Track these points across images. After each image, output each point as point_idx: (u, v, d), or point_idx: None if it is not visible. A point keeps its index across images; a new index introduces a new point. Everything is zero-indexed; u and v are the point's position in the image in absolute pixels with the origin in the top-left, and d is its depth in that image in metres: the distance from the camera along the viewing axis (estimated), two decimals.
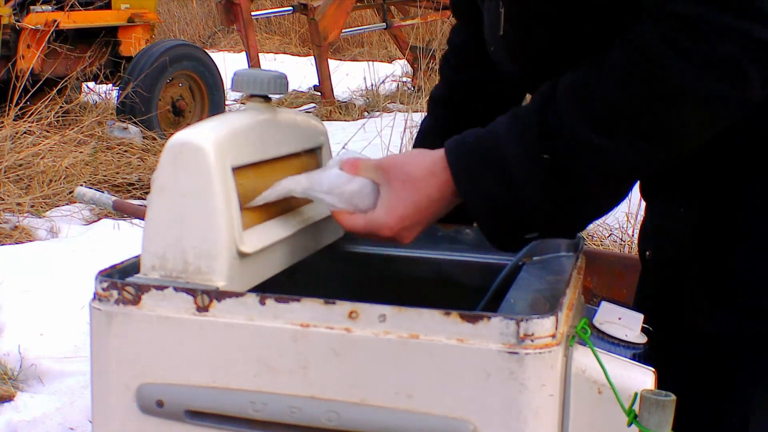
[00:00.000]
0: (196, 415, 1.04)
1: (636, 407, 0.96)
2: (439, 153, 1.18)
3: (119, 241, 4.30)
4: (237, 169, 1.13)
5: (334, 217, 1.24)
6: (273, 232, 1.22)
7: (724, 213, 1.24)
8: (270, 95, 1.25)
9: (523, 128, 1.13)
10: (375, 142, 5.05)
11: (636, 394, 0.96)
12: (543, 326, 0.95)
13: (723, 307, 1.24)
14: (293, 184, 1.23)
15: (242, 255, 1.11)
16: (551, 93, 1.13)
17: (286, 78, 1.26)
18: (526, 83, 1.40)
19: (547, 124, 1.11)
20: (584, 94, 1.11)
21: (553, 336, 0.96)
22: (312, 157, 1.40)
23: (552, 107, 1.12)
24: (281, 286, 1.26)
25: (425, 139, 1.63)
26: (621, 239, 4.09)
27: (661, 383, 1.05)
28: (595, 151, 1.10)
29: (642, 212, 1.52)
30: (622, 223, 4.09)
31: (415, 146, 1.61)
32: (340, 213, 1.22)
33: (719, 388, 1.27)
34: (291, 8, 8.47)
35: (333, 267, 1.48)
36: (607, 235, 4.17)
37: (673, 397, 0.95)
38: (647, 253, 1.40)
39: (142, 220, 1.31)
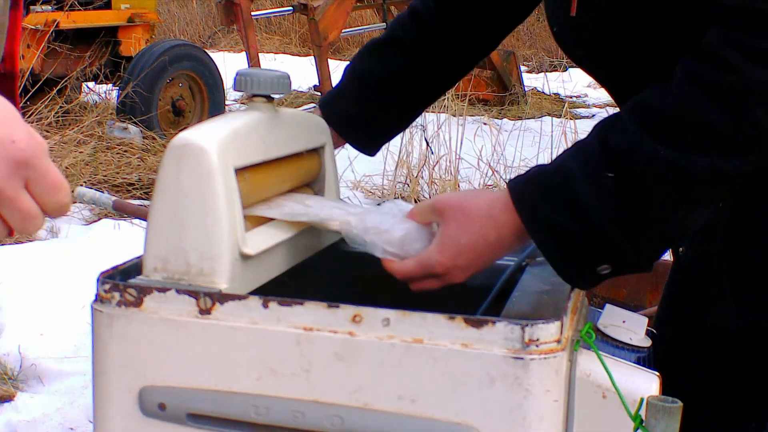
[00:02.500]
0: (198, 419, 1.04)
1: (642, 413, 0.96)
2: (498, 194, 1.15)
3: (119, 241, 4.30)
4: (240, 170, 1.13)
5: (383, 265, 1.20)
6: (275, 233, 1.21)
7: (759, 208, 1.23)
8: (273, 95, 1.25)
9: (585, 152, 1.10)
10: None
11: (642, 400, 0.96)
12: (548, 331, 0.94)
13: (752, 303, 1.23)
14: (343, 224, 1.20)
15: (245, 257, 1.11)
16: (615, 116, 1.11)
17: (289, 77, 1.25)
18: (591, 70, 1.37)
19: (610, 143, 1.08)
20: (650, 107, 1.08)
21: (558, 341, 0.95)
22: (314, 156, 1.40)
23: (617, 127, 1.09)
24: (283, 287, 1.25)
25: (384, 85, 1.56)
26: None
27: (679, 382, 1.04)
28: (663, 163, 1.05)
29: None
30: None
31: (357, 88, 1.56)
32: (387, 261, 1.19)
33: (740, 386, 1.27)
34: (291, 8, 8.46)
35: (335, 267, 1.47)
36: None
37: (680, 403, 0.94)
38: (681, 249, 1.39)
39: (142, 220, 1.31)
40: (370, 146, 1.61)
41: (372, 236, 1.19)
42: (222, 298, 1.02)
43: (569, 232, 1.09)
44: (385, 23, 8.67)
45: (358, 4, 8.51)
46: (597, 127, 1.12)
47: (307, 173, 1.40)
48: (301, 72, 9.31)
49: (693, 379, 1.31)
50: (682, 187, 1.07)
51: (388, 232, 1.19)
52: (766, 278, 1.24)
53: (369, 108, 1.55)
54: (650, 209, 1.08)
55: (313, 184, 1.42)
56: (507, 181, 1.16)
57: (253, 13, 8.00)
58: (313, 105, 8.29)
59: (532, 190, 1.11)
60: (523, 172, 1.16)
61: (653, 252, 1.12)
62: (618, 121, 1.09)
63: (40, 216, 0.85)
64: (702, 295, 1.30)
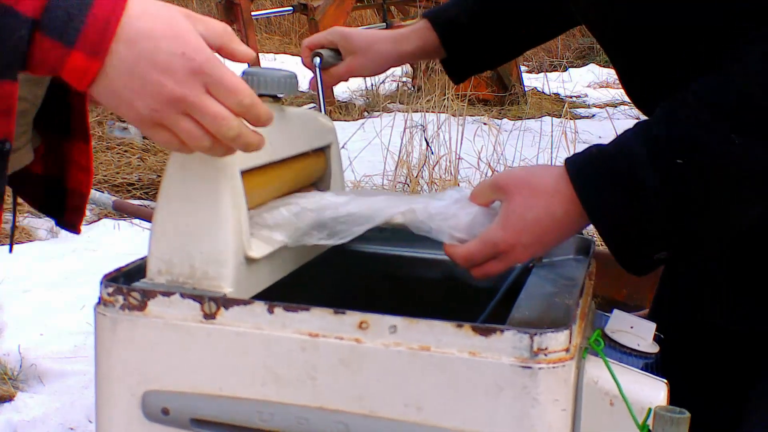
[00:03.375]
0: (201, 424, 1.03)
1: (649, 422, 0.95)
2: (563, 169, 1.12)
3: (119, 241, 4.29)
4: (245, 173, 1.12)
5: (446, 251, 1.17)
6: (280, 235, 1.20)
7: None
8: (279, 95, 1.24)
9: (652, 136, 1.07)
10: (375, 142, 5.04)
11: (650, 410, 0.95)
12: (557, 340, 0.93)
13: (749, 303, 1.23)
14: (407, 213, 1.17)
15: (250, 260, 1.10)
16: (682, 99, 1.08)
17: (296, 77, 1.24)
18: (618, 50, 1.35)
19: (679, 129, 1.06)
20: (721, 93, 1.06)
21: (567, 350, 0.95)
22: (320, 155, 1.39)
23: (684, 111, 1.07)
24: (287, 288, 1.25)
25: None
26: None
27: (675, 385, 1.03)
28: (737, 153, 1.03)
29: None
30: None
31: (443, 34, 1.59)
32: (450, 246, 1.16)
33: (737, 387, 1.27)
34: (291, 8, 8.45)
35: (340, 267, 1.47)
36: None
37: (688, 414, 0.93)
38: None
39: (142, 220, 1.31)
40: (461, 66, 1.62)
41: (438, 222, 1.16)
42: (227, 302, 1.02)
43: (633, 218, 1.07)
44: (385, 23, 8.67)
45: (358, 4, 8.51)
46: (662, 110, 1.09)
47: (313, 173, 1.39)
48: (301, 72, 9.29)
49: (686, 379, 1.31)
50: (753, 179, 1.05)
51: (455, 217, 1.16)
52: (763, 277, 1.24)
53: (480, 25, 1.55)
54: (718, 199, 1.06)
55: (318, 184, 1.42)
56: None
57: (253, 13, 7.99)
58: (313, 105, 8.29)
59: (594, 174, 1.09)
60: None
61: (713, 242, 1.11)
62: (686, 106, 1.07)
63: (229, 117, 0.94)
64: (695, 296, 1.30)
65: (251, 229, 1.12)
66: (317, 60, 1.57)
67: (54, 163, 1.23)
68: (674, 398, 1.01)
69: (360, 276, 1.48)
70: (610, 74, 9.69)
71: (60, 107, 1.19)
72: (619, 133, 1.11)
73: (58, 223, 1.28)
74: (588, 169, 1.09)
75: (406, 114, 5.39)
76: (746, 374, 1.29)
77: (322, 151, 1.40)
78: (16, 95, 1.07)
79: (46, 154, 1.15)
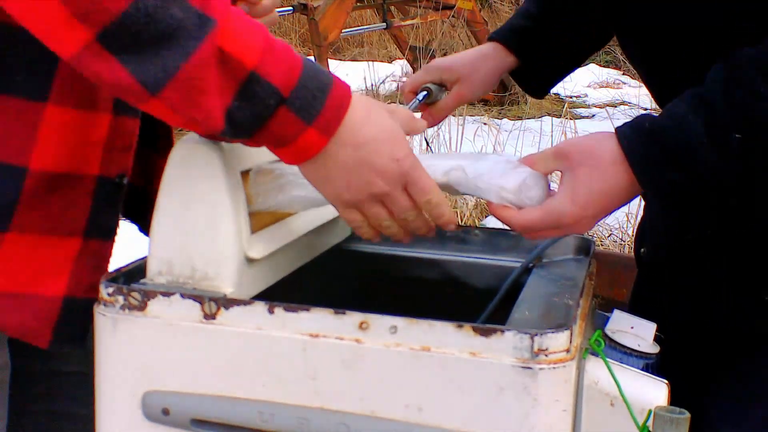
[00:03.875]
0: (202, 424, 1.03)
1: (650, 423, 0.95)
2: None
3: (119, 240, 4.28)
4: (245, 173, 1.12)
5: (494, 212, 1.15)
6: (280, 235, 1.21)
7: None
8: None
9: (708, 108, 1.06)
10: None
11: (650, 411, 0.95)
12: (557, 341, 0.93)
13: (752, 302, 1.23)
14: (455, 170, 1.15)
15: (250, 261, 1.10)
16: (737, 66, 1.07)
17: None
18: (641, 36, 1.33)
19: (736, 100, 1.05)
20: None
21: (568, 350, 0.95)
22: None
23: (742, 81, 1.05)
24: (287, 287, 1.25)
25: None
26: (621, 239, 4.08)
27: (675, 385, 1.04)
28: None
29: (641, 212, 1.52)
30: (622, 223, 4.09)
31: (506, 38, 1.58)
32: (504, 209, 1.14)
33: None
34: (291, 8, 8.45)
35: (340, 267, 1.47)
36: (607, 235, 4.16)
37: (688, 414, 0.94)
38: (642, 250, 1.39)
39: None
40: (536, 75, 1.62)
41: (487, 181, 1.14)
42: (227, 303, 1.02)
43: (689, 193, 1.07)
44: (385, 23, 8.67)
45: (358, 4, 8.50)
46: (716, 79, 1.08)
47: None
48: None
49: (686, 379, 1.31)
50: None
51: (504, 178, 1.14)
52: (762, 276, 1.24)
53: (544, 28, 1.54)
54: None
55: None
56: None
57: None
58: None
59: (649, 148, 1.08)
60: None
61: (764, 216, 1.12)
62: (743, 75, 1.06)
63: (413, 209, 1.09)
64: (695, 296, 1.30)
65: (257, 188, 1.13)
66: (422, 95, 1.56)
67: (141, 173, 1.30)
68: (674, 398, 1.01)
69: (359, 276, 1.48)
70: (609, 74, 9.70)
71: (152, 128, 1.29)
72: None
73: (141, 229, 1.36)
74: (643, 144, 1.08)
75: None
76: (747, 373, 1.29)
77: None
78: (137, 132, 1.14)
79: (135, 165, 1.22)
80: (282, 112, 0.98)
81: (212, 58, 0.93)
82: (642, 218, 1.49)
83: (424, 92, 1.55)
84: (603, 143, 1.12)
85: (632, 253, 1.53)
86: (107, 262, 1.19)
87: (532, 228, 1.14)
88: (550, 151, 1.16)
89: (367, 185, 1.05)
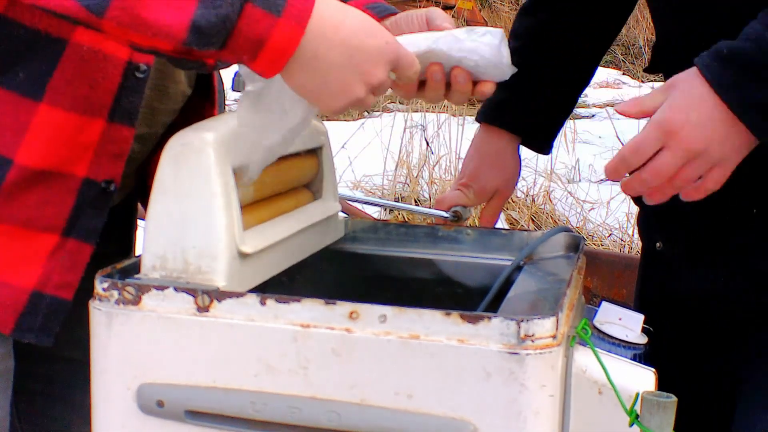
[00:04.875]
0: (196, 416, 1.04)
1: (637, 407, 0.96)
2: None
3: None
4: (238, 169, 1.13)
5: (610, 167, 1.15)
6: (273, 232, 1.22)
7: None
8: None
9: None
10: (375, 142, 5.04)
11: (637, 395, 0.96)
12: (543, 327, 0.95)
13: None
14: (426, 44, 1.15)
15: (243, 255, 1.11)
16: None
17: None
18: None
19: None
20: None
21: (554, 336, 0.96)
22: (312, 157, 1.40)
23: None
24: (282, 286, 1.26)
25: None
26: (621, 239, 4.09)
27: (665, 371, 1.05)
28: None
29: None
30: (622, 223, 4.09)
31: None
32: (619, 161, 1.13)
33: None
34: None
35: (333, 267, 1.48)
36: (607, 235, 4.17)
37: (674, 398, 0.95)
38: (657, 244, 1.40)
39: (140, 219, 1.32)
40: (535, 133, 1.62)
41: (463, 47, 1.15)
42: (220, 295, 1.03)
43: None
44: None
45: None
46: None
47: (305, 174, 1.40)
48: None
49: (676, 364, 1.32)
50: None
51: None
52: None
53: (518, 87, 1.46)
54: None
55: (310, 185, 1.43)
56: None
57: None
58: None
59: (734, 73, 1.08)
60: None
61: None
62: None
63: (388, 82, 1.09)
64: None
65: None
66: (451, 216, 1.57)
67: None
68: (664, 386, 1.02)
69: (354, 276, 1.49)
70: (610, 74, 9.69)
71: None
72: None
73: None
74: (727, 70, 1.08)
75: (406, 114, 5.41)
76: (737, 356, 1.30)
77: (315, 154, 1.41)
78: (130, 141, 1.14)
79: None
80: (248, 9, 0.97)
81: None
82: (643, 215, 1.49)
83: (454, 216, 1.57)
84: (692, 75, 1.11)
85: (631, 253, 1.55)
86: (84, 264, 1.21)
87: (642, 149, 1.11)
88: (659, 89, 1.14)
89: (363, 75, 1.04)
